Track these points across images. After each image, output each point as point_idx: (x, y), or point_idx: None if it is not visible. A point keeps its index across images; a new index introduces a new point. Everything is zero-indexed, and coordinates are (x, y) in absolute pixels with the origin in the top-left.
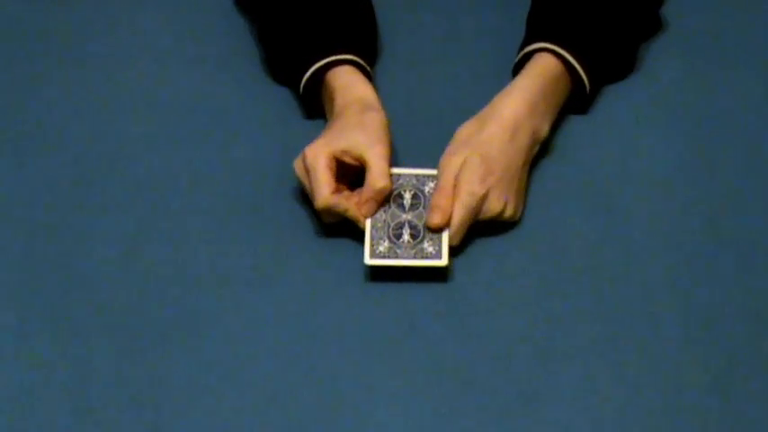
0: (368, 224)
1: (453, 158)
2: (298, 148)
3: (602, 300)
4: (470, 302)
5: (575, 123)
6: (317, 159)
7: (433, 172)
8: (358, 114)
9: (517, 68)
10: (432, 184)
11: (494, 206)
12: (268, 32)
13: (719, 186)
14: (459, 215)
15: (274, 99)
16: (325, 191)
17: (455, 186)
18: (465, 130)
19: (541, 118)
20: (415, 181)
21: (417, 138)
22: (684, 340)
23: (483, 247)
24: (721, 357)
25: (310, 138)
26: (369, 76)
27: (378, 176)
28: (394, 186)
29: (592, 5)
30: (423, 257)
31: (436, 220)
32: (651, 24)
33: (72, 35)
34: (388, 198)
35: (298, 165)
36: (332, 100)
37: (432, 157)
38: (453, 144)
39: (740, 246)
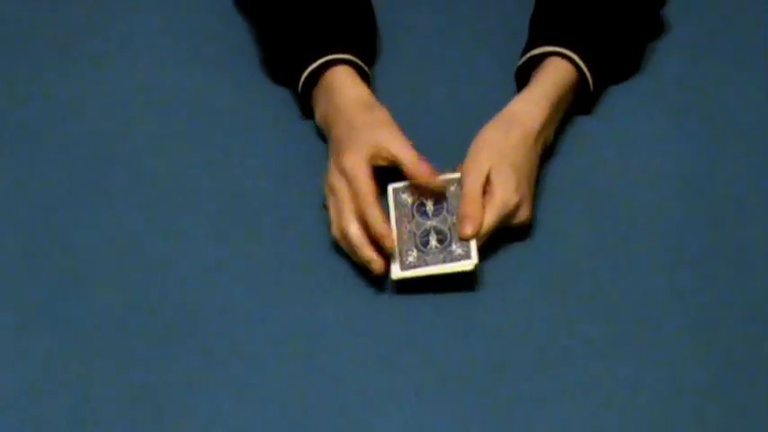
0: (393, 238)
1: (479, 163)
2: (298, 147)
3: (602, 300)
4: (471, 303)
5: (575, 123)
6: (358, 168)
7: (453, 175)
8: (366, 114)
9: (523, 70)
10: (452, 188)
11: (524, 215)
12: (266, 32)
13: (720, 186)
14: (490, 220)
15: (274, 99)
16: (371, 197)
17: (486, 193)
18: (488, 134)
19: (553, 126)
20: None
21: (417, 138)
22: (684, 340)
23: (483, 248)
24: (721, 357)
25: (310, 137)
26: (366, 76)
27: (415, 166)
28: (415, 197)
29: (598, 8)
30: (452, 260)
31: (468, 230)
32: (654, 25)
33: (71, 35)
34: (411, 208)
35: (332, 179)
36: (328, 99)
37: (432, 157)
38: (477, 148)
39: (740, 246)
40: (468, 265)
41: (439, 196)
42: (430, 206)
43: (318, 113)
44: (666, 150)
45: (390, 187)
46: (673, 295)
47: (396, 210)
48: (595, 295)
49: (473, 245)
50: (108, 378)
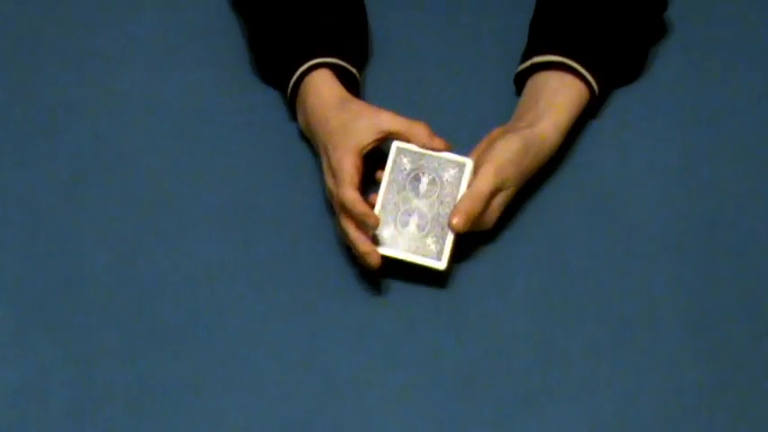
0: (378, 203)
1: (502, 172)
2: (298, 147)
3: (602, 300)
4: (470, 302)
5: (575, 124)
6: (343, 161)
7: (457, 158)
8: (341, 112)
9: (524, 73)
10: (452, 172)
11: (490, 223)
12: (255, 37)
13: (720, 187)
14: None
15: (274, 99)
16: (347, 182)
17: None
18: (512, 149)
19: None
20: (436, 164)
21: None
22: (684, 340)
23: (483, 248)
24: (721, 357)
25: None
26: (349, 75)
27: (411, 129)
28: (414, 166)
29: (605, 16)
30: (423, 255)
31: (458, 222)
32: (658, 30)
33: (72, 35)
34: (406, 177)
35: (328, 183)
36: (305, 105)
37: None
38: (504, 157)
39: (740, 246)
40: (437, 265)
41: (436, 177)
42: (424, 183)
43: (299, 119)
44: (666, 151)
45: (395, 145)
46: (673, 295)
47: (392, 171)
48: (595, 295)
49: (448, 247)
50: (108, 378)
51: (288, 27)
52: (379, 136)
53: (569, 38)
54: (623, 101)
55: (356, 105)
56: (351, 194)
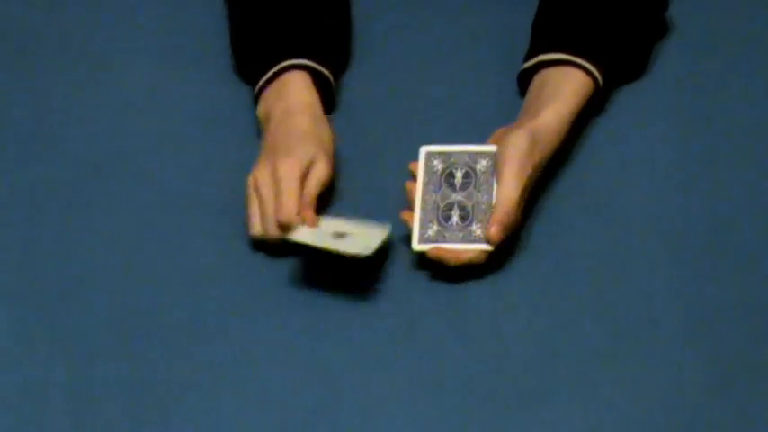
0: (417, 207)
1: (521, 181)
2: None
3: (602, 300)
4: (471, 303)
5: (575, 123)
6: (290, 173)
7: (486, 148)
8: (307, 123)
9: (529, 71)
10: (484, 162)
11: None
12: (234, 37)
13: (719, 186)
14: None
15: None
16: (293, 193)
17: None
18: (523, 146)
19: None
20: (467, 158)
21: (416, 138)
22: (684, 340)
23: None
24: (721, 357)
25: None
26: (324, 79)
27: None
28: (446, 165)
29: (609, 14)
30: (470, 241)
31: (496, 234)
32: (660, 28)
33: (72, 35)
34: (440, 177)
35: (261, 177)
36: (276, 100)
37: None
38: (513, 159)
39: (740, 246)
40: (486, 247)
41: (468, 170)
42: (458, 177)
43: (264, 107)
44: (666, 150)
45: (423, 150)
46: (673, 295)
47: (425, 175)
48: (595, 295)
49: None
50: (108, 378)
51: (263, 27)
52: (308, 174)
53: (574, 35)
54: (623, 100)
55: (319, 127)
56: (290, 200)
